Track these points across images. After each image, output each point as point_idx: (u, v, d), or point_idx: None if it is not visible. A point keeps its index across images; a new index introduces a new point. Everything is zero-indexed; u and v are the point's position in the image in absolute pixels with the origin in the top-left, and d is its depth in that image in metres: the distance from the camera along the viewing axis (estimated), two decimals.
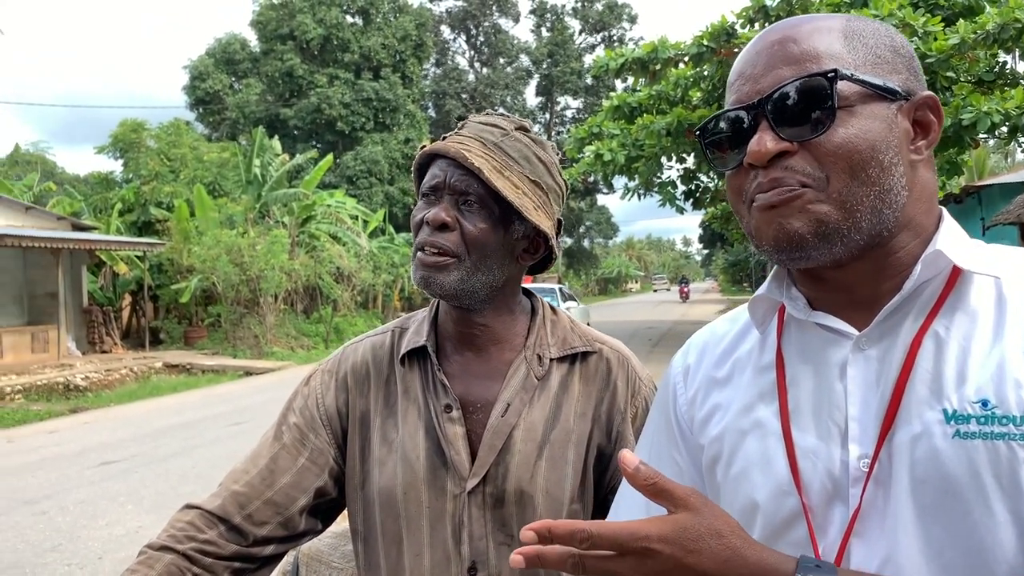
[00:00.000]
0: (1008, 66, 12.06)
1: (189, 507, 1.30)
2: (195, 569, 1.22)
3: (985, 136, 11.86)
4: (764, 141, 0.85)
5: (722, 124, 0.92)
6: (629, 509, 1.04)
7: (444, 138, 1.33)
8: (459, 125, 1.36)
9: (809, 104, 0.84)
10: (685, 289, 54.46)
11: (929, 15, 11.41)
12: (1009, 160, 33.70)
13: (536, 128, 1.40)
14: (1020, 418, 0.77)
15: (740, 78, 0.92)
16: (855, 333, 0.88)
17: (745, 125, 0.89)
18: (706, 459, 1.00)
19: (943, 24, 11.12)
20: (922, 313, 0.86)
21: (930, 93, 0.89)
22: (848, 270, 0.89)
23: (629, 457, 0.79)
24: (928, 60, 10.55)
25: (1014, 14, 10.29)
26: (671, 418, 1.07)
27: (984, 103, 10.35)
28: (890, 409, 0.83)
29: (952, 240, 0.88)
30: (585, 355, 1.39)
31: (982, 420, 0.78)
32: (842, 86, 0.84)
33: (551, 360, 1.36)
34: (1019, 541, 0.76)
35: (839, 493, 0.85)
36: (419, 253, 1.30)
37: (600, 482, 1.35)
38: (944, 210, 0.93)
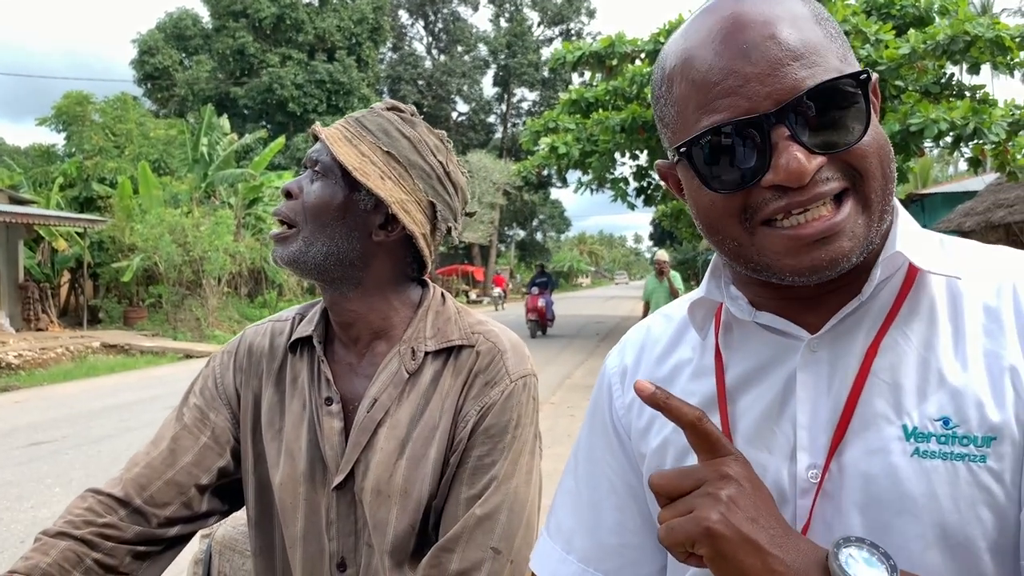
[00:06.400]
0: (955, 78, 12.36)
1: (88, 492, 1.26)
2: (95, 554, 1.18)
3: (930, 145, 12.13)
4: (797, 157, 0.72)
5: (721, 139, 0.76)
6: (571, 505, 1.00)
7: None
8: None
9: (842, 110, 0.74)
10: (537, 301, 20.68)
11: (882, 23, 11.62)
12: (952, 170, 34.62)
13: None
14: (982, 439, 0.73)
15: (730, 76, 0.75)
16: (806, 336, 0.82)
17: (758, 138, 0.74)
18: (647, 469, 0.93)
19: (894, 33, 11.33)
20: (879, 317, 0.81)
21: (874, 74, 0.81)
22: None
23: (645, 385, 0.75)
24: (879, 68, 10.75)
25: (964, 27, 10.55)
26: (607, 422, 1.00)
27: (932, 111, 10.59)
28: (843, 419, 0.78)
29: (910, 236, 0.82)
30: (462, 348, 1.33)
31: (942, 439, 0.74)
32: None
33: (426, 354, 1.31)
34: (972, 567, 0.73)
35: (786, 505, 0.80)
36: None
37: None
38: (896, 200, 0.85)
